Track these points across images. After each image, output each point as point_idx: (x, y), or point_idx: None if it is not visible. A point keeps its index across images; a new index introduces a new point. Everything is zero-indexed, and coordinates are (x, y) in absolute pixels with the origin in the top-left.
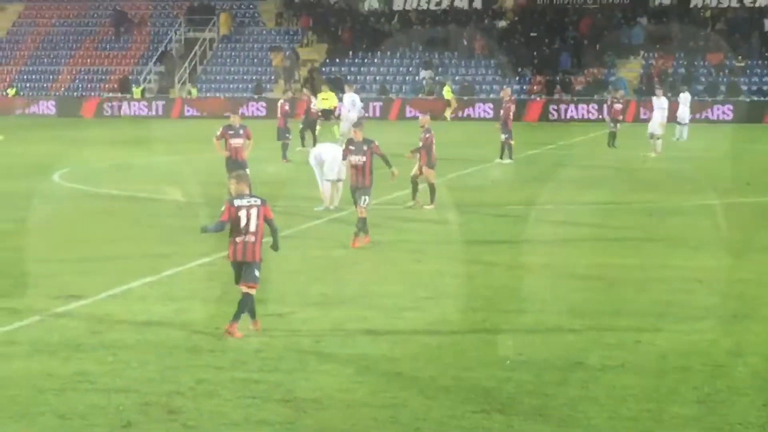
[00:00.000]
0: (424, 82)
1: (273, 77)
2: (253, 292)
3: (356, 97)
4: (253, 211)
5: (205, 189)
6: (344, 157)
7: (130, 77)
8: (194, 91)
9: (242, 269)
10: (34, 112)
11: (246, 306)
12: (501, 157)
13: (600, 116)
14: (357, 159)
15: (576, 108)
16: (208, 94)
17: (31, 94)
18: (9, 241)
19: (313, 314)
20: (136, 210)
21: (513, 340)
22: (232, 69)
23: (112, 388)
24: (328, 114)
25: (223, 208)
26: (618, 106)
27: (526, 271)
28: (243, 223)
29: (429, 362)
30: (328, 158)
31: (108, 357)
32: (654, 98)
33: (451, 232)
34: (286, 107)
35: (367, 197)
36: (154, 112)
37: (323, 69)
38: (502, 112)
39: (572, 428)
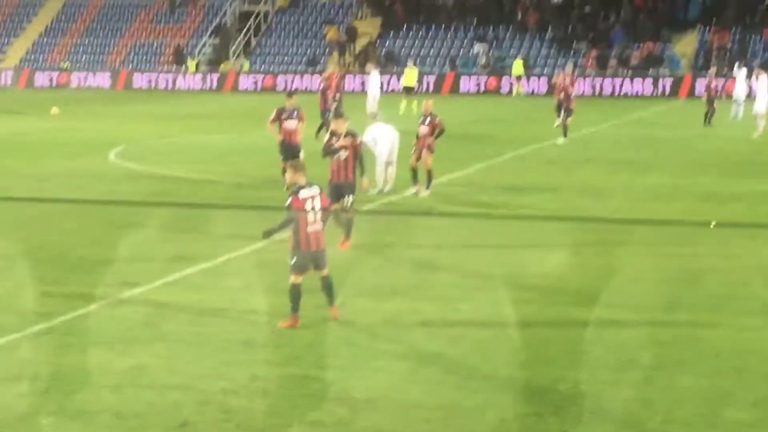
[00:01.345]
0: (477, 56)
1: (327, 51)
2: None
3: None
4: (317, 200)
5: (259, 169)
6: (327, 151)
7: (185, 51)
8: (246, 65)
9: (314, 258)
10: (90, 85)
11: (333, 288)
12: (565, 136)
13: (655, 92)
14: (340, 153)
15: (631, 83)
16: (262, 68)
17: (86, 67)
18: (64, 223)
19: (366, 305)
20: (189, 192)
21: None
22: (287, 42)
23: (168, 384)
24: (410, 90)
25: (289, 202)
26: (715, 84)
27: (580, 260)
28: (310, 212)
29: (483, 360)
30: (381, 139)
31: (163, 351)
32: (760, 77)
33: (504, 215)
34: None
35: (351, 195)
36: (208, 86)
37: (377, 43)
38: (561, 89)
39: None
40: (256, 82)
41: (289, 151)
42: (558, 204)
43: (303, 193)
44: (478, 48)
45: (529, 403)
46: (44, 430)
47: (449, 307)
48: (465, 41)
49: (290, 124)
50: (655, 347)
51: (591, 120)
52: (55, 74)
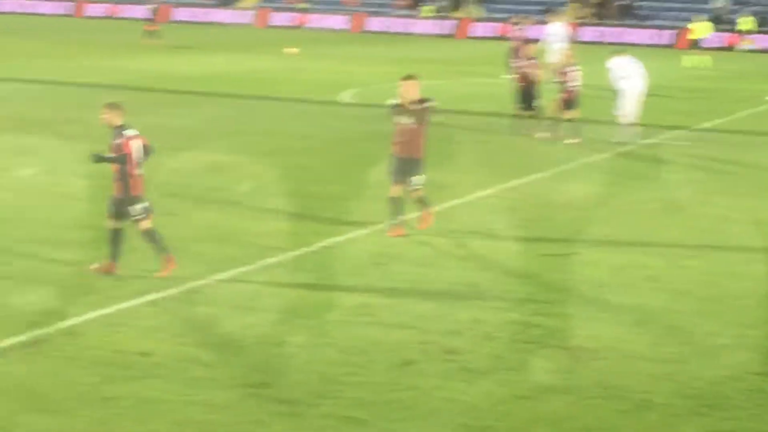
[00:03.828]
0: (716, 10)
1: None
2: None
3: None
4: (140, 142)
5: (489, 115)
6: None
7: None
8: (481, 12)
9: (123, 204)
10: (325, 26)
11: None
12: None
13: None
14: (406, 122)
15: None
16: (495, 15)
17: (323, 9)
18: (297, 159)
19: (594, 256)
20: None
21: None
22: None
23: (392, 323)
24: (695, 43)
25: (120, 141)
26: None
27: None
28: (139, 154)
29: (709, 317)
30: (634, 72)
31: (389, 290)
32: None
33: (739, 173)
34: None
35: (419, 176)
36: (442, 31)
37: None
38: None
39: None
40: (490, 30)
41: (526, 95)
42: None
43: (128, 134)
44: (719, 2)
45: (756, 363)
46: (271, 360)
47: (677, 263)
48: None
49: (527, 69)
50: None
51: None
52: (293, 15)
